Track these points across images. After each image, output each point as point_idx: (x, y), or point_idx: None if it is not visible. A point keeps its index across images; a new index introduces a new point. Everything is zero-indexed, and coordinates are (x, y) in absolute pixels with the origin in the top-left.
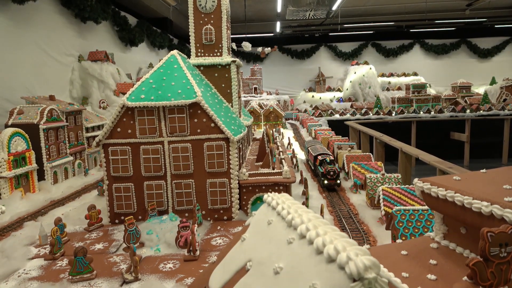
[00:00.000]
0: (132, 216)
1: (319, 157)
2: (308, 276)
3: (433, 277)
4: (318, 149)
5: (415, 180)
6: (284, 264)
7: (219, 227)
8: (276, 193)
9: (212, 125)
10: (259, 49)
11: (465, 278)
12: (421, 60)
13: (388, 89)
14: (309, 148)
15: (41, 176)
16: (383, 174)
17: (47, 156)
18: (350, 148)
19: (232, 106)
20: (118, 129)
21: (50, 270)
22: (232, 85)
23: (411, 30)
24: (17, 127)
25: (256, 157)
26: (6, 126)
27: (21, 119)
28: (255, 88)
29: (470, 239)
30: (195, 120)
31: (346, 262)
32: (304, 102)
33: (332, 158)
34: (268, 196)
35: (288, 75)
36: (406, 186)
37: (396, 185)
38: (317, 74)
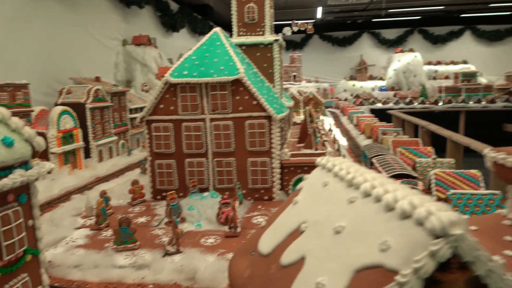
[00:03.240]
0: (174, 191)
1: None
2: (377, 234)
3: (510, 253)
4: (394, 167)
5: (486, 150)
6: (346, 223)
7: (259, 207)
8: (330, 157)
9: (254, 102)
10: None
11: None
12: (471, 47)
13: (434, 78)
14: (374, 161)
15: (87, 154)
16: (434, 159)
17: (93, 135)
18: (396, 134)
19: (274, 86)
20: (161, 106)
21: (96, 239)
22: (274, 64)
23: (461, 16)
24: (66, 106)
25: (297, 139)
26: (56, 104)
27: (69, 98)
28: (294, 76)
29: None
30: (237, 97)
31: (425, 217)
32: (345, 90)
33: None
34: (322, 159)
35: (329, 63)
36: (461, 170)
37: (449, 170)
38: (358, 62)
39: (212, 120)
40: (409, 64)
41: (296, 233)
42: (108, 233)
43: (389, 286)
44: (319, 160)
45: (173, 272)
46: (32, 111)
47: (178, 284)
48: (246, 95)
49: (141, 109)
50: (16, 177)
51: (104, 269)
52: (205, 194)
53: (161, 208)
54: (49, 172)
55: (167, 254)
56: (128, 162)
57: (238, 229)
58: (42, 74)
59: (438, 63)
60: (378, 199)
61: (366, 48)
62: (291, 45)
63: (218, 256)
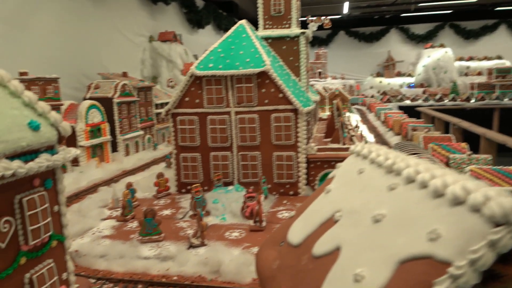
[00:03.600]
0: (199, 184)
1: None
2: (424, 222)
3: None
4: None
5: None
6: (386, 211)
7: (285, 201)
8: (365, 143)
9: (280, 95)
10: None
11: None
12: (507, 42)
13: (466, 74)
14: None
15: (114, 148)
16: (469, 155)
17: (120, 129)
18: (427, 130)
19: (300, 80)
20: (186, 99)
21: (121, 230)
22: (301, 58)
23: (496, 9)
24: (94, 100)
25: (324, 134)
26: (84, 99)
27: (97, 93)
28: (320, 73)
29: None
30: (263, 90)
31: (483, 203)
32: (371, 87)
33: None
34: (357, 146)
35: (355, 59)
36: (500, 167)
37: (486, 166)
38: (386, 58)
39: (237, 113)
40: (439, 60)
41: (329, 222)
42: (134, 224)
43: (440, 279)
44: (353, 147)
45: (198, 264)
46: (62, 104)
47: (203, 276)
48: (272, 88)
49: (167, 104)
50: (42, 161)
51: (129, 260)
52: (230, 187)
53: (186, 201)
54: (76, 164)
55: (191, 246)
56: (154, 157)
57: (263, 224)
58: (72, 69)
59: (471, 58)
60: (423, 185)
61: (394, 44)
62: (317, 41)
63: (243, 249)
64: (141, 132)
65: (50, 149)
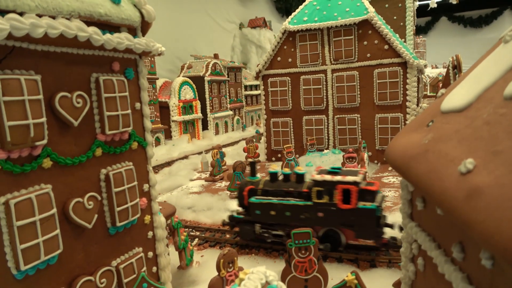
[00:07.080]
0: (291, 145)
1: None
2: None
3: None
4: None
5: None
6: None
7: (390, 168)
8: None
9: (386, 47)
10: None
11: None
12: None
13: None
14: None
15: (204, 126)
16: None
17: (210, 108)
18: None
19: (405, 41)
20: (278, 59)
21: (210, 188)
22: (407, 15)
23: None
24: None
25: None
26: None
27: (190, 72)
28: None
29: None
30: (365, 42)
31: None
32: None
33: None
34: None
35: (459, 47)
36: None
37: None
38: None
39: (334, 71)
40: None
41: None
42: (222, 184)
43: None
44: None
45: None
46: (157, 78)
47: None
48: (376, 39)
49: (256, 87)
50: (122, 38)
51: (217, 212)
52: (326, 151)
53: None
54: (169, 138)
55: None
56: (242, 136)
57: None
58: (166, 51)
59: None
60: None
61: (508, 27)
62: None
63: None
64: (231, 112)
65: (133, 34)
